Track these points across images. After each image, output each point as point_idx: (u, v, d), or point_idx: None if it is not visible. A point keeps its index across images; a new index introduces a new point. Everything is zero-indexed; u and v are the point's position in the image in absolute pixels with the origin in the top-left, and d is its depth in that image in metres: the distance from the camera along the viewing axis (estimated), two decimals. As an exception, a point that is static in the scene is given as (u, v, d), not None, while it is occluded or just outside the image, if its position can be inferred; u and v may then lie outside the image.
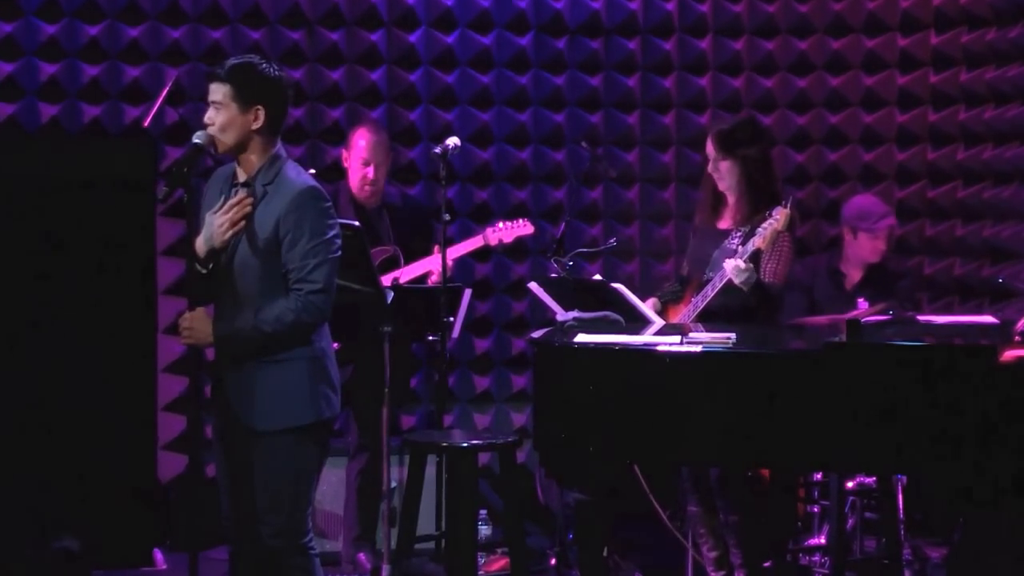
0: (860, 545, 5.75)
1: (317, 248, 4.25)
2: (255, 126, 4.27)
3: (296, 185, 4.27)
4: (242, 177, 4.33)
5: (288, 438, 4.30)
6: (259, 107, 4.26)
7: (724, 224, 5.41)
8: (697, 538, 5.45)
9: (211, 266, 4.28)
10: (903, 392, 4.19)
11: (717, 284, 5.17)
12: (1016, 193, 6.57)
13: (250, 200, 4.25)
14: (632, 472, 5.48)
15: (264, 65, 4.31)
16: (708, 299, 5.21)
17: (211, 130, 4.26)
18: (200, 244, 4.29)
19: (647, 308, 5.30)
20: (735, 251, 5.17)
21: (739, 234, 5.28)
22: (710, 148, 5.39)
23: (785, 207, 5.02)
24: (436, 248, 5.95)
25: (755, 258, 5.14)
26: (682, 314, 5.37)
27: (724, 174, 5.36)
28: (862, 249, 6.26)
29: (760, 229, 5.04)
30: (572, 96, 7.11)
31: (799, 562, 5.77)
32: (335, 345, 5.60)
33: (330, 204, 4.33)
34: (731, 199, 5.39)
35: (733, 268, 5.06)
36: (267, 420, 4.29)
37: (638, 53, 7.12)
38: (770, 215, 5.04)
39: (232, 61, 4.32)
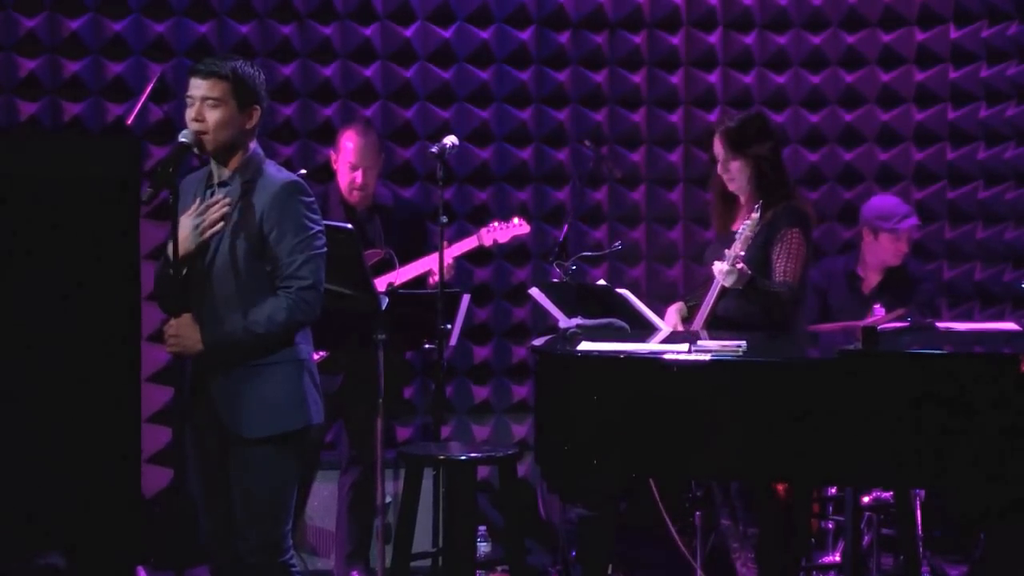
0: (877, 563, 5.75)
1: (303, 243, 4.30)
2: (248, 125, 4.36)
3: (278, 180, 4.35)
4: (219, 178, 4.38)
5: (271, 447, 4.32)
6: (256, 106, 4.36)
7: (737, 226, 5.41)
8: (731, 553, 5.43)
9: (185, 271, 4.30)
10: (921, 402, 4.19)
11: (714, 291, 5.18)
12: (1040, 194, 6.60)
13: (227, 201, 4.29)
14: (644, 485, 5.48)
15: (253, 65, 4.41)
16: (710, 306, 5.22)
17: (202, 127, 4.30)
18: (176, 247, 4.29)
19: (653, 315, 5.31)
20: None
21: None
22: (718, 148, 5.35)
23: (755, 212, 5.04)
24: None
25: (763, 260, 5.14)
26: (694, 322, 5.38)
27: (735, 174, 5.33)
28: (883, 251, 6.27)
29: (737, 234, 5.06)
30: (575, 93, 7.12)
31: (813, 580, 5.79)
32: (324, 353, 5.65)
33: (313, 199, 4.40)
34: (742, 199, 5.39)
35: (718, 271, 5.07)
36: (258, 427, 4.31)
37: (644, 48, 7.13)
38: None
39: (226, 59, 4.39)
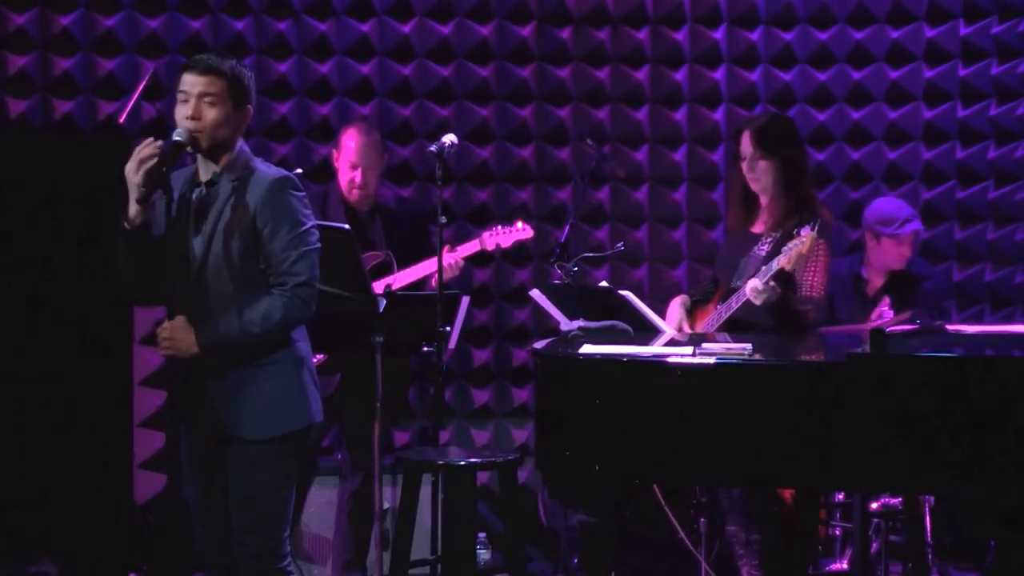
0: (885, 570, 5.75)
1: (297, 239, 4.33)
2: (241, 125, 4.39)
3: (270, 176, 4.37)
4: (205, 176, 4.39)
5: (272, 448, 4.34)
6: (248, 106, 4.40)
7: (757, 228, 5.43)
8: (736, 560, 5.44)
9: (139, 223, 4.27)
10: (930, 407, 4.19)
11: (738, 300, 5.19)
12: (1051, 194, 6.60)
13: (156, 142, 4.23)
14: (647, 491, 5.48)
15: (243, 64, 4.45)
16: (731, 311, 5.23)
17: (199, 125, 4.30)
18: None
19: (657, 317, 5.31)
20: (762, 259, 5.19)
21: (770, 239, 5.30)
22: (747, 145, 5.36)
23: (812, 229, 5.02)
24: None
25: (780, 276, 5.14)
26: (706, 322, 5.39)
27: (760, 174, 5.35)
28: (886, 255, 6.27)
29: (785, 248, 5.04)
30: (577, 90, 7.12)
31: (820, 588, 5.79)
32: (321, 356, 5.64)
33: (304, 194, 4.42)
34: (763, 201, 5.40)
35: (751, 289, 5.07)
36: (259, 428, 4.33)
37: (647, 44, 7.13)
38: (798, 233, 5.03)
39: (221, 58, 4.39)
